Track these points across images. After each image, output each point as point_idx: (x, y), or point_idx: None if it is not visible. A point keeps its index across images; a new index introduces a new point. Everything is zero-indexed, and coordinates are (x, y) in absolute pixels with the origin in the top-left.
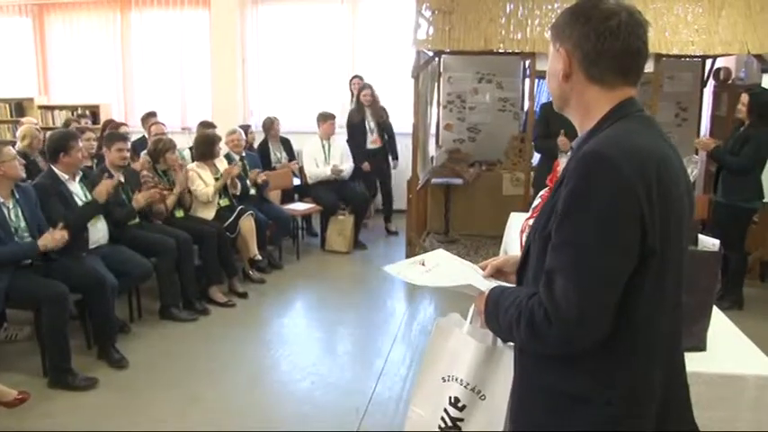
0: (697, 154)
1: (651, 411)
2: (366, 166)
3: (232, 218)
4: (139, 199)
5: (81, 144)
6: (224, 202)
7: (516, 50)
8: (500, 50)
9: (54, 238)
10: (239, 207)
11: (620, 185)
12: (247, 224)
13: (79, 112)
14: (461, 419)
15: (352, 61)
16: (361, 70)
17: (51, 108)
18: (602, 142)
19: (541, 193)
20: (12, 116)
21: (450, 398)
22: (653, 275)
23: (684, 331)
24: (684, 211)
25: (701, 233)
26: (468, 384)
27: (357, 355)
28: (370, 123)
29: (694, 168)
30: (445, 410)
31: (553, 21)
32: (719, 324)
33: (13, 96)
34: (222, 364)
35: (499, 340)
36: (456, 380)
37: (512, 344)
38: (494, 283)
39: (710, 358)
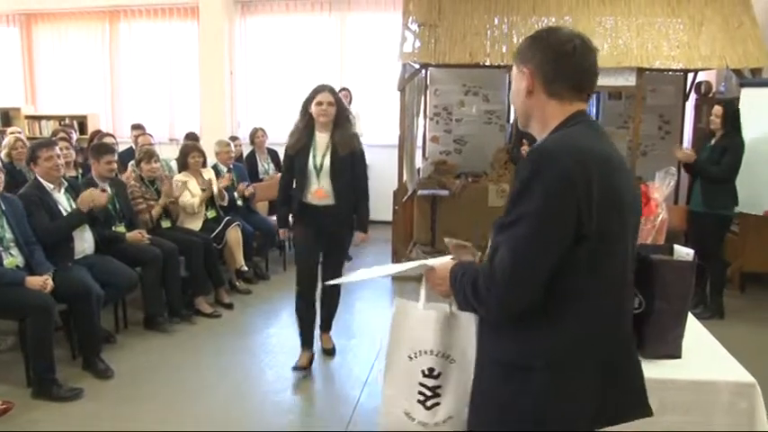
0: (680, 170)
1: (590, 383)
2: (281, 234)
3: (219, 228)
4: (135, 236)
5: (53, 152)
6: (211, 213)
7: (501, 63)
8: (485, 63)
9: (38, 282)
10: (226, 218)
11: (559, 174)
12: (234, 235)
13: (66, 122)
14: (440, 386)
15: (340, 73)
16: (349, 82)
17: (38, 118)
18: (546, 141)
19: None
20: None
21: (422, 371)
22: (589, 258)
23: (660, 339)
24: (627, 207)
25: (685, 244)
26: (438, 353)
27: (342, 363)
28: (316, 158)
29: (671, 180)
30: (420, 384)
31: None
32: (695, 332)
33: None
34: (208, 374)
35: (455, 306)
36: (425, 353)
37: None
38: (447, 258)
39: (686, 365)
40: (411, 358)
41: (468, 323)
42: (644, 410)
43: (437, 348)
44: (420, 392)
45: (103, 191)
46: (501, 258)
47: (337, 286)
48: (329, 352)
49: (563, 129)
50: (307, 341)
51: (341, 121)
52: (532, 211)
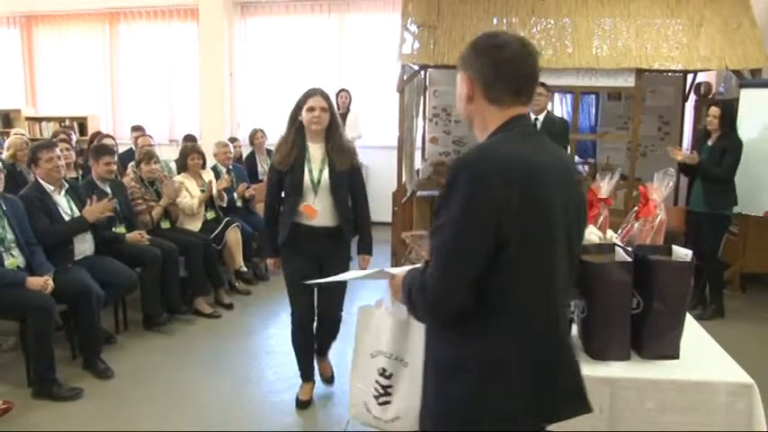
0: (684, 173)
1: (524, 383)
2: (271, 264)
3: (218, 229)
4: (135, 237)
5: (54, 154)
6: (210, 214)
7: None
8: None
9: (39, 283)
10: (225, 219)
11: (475, 181)
12: (233, 236)
13: (66, 123)
14: (390, 386)
15: (339, 75)
16: (348, 83)
17: (39, 120)
18: (467, 152)
19: None
20: None
21: (378, 369)
22: (511, 262)
23: (658, 339)
24: (556, 210)
25: (684, 245)
26: (391, 355)
27: (342, 365)
28: (313, 172)
29: (670, 181)
30: (376, 381)
31: (531, 36)
32: (693, 333)
33: None
34: (207, 375)
35: None
36: (381, 353)
37: None
38: (407, 268)
39: (683, 366)
40: (372, 355)
41: (421, 329)
42: (583, 407)
43: (390, 351)
44: (375, 389)
45: (111, 199)
46: (433, 266)
47: (338, 315)
48: (328, 379)
49: (498, 134)
50: (307, 373)
51: (334, 128)
52: (453, 218)
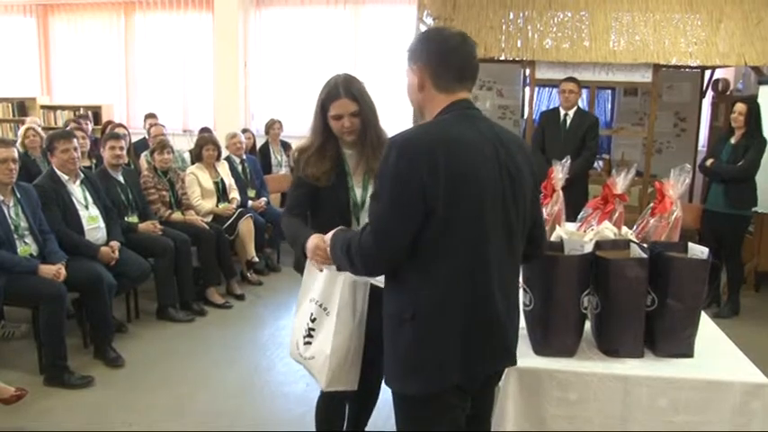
0: (695, 169)
1: (451, 334)
2: (314, 253)
3: (231, 220)
4: (148, 227)
5: (70, 145)
6: (223, 206)
7: (516, 58)
8: (500, 58)
9: (51, 271)
10: (238, 210)
11: (403, 162)
12: (246, 226)
13: (81, 112)
14: (314, 329)
15: (354, 67)
16: (363, 76)
17: (53, 108)
18: (398, 134)
19: None
20: (14, 116)
21: (310, 314)
22: (438, 231)
23: (672, 337)
24: (482, 185)
25: (699, 243)
26: (318, 302)
27: None
28: (354, 190)
29: (686, 177)
30: (307, 323)
31: (548, 30)
32: (708, 331)
33: (15, 96)
34: (218, 365)
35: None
36: (314, 300)
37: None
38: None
39: (698, 364)
40: (310, 301)
41: (343, 284)
42: (510, 360)
43: (317, 298)
44: (305, 329)
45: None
46: (368, 230)
47: (379, 383)
48: None
49: (438, 117)
50: None
51: (368, 130)
52: (385, 191)
